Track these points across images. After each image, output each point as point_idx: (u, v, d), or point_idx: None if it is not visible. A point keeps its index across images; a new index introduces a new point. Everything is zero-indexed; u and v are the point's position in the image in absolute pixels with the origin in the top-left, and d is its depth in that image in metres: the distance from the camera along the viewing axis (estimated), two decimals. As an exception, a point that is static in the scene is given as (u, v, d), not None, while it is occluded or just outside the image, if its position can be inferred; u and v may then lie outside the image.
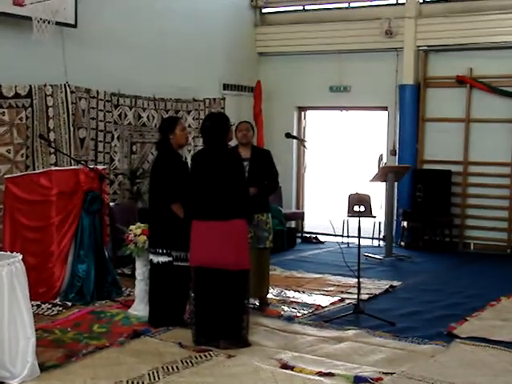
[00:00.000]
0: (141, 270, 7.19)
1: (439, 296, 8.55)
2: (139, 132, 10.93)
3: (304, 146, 8.04)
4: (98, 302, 7.67)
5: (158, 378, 5.35)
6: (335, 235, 11.62)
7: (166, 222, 6.69)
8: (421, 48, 12.39)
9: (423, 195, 12.14)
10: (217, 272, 6.12)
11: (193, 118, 11.74)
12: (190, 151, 11.53)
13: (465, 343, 6.43)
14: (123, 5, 10.73)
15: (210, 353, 5.90)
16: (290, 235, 12.25)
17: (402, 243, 12.27)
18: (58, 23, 8.83)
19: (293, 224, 13.38)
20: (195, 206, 6.27)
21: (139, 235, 7.03)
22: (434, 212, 12.02)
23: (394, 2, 12.88)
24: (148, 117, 11.05)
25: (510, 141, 11.79)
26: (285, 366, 5.59)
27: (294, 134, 12.88)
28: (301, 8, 13.76)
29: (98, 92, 10.14)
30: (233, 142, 7.03)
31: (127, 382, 5.28)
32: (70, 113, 9.55)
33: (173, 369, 5.55)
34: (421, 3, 12.46)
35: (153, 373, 5.44)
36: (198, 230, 6.19)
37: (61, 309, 7.37)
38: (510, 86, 11.74)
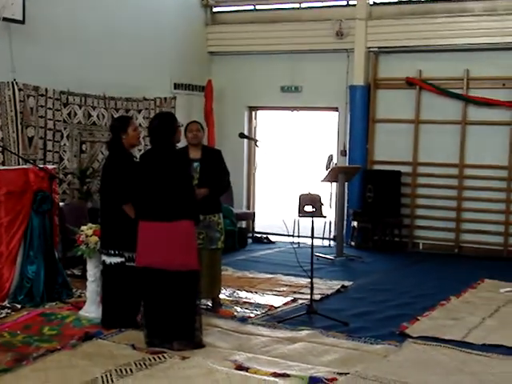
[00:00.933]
0: (92, 271, 7.10)
1: (390, 296, 8.62)
2: (89, 131, 10.79)
3: (257, 146, 8.02)
4: (48, 303, 7.52)
5: (112, 381, 5.26)
6: (286, 235, 11.66)
7: (117, 222, 6.62)
8: (371, 49, 12.48)
9: (373, 195, 12.23)
10: (164, 273, 6.08)
11: (143, 117, 11.64)
12: (140, 151, 11.41)
13: (417, 343, 6.49)
14: (73, 1, 10.58)
15: (164, 355, 5.83)
16: (241, 235, 12.25)
17: (353, 243, 12.36)
18: (5, 19, 8.73)
19: (244, 224, 13.36)
20: (142, 206, 6.22)
21: (91, 236, 6.94)
22: (383, 212, 12.13)
23: (345, 4, 12.96)
24: (98, 115, 10.93)
25: (458, 142, 11.96)
26: (240, 368, 5.56)
27: (245, 133, 12.86)
28: (252, 8, 13.75)
29: (46, 90, 9.98)
30: (183, 143, 6.97)
31: (80, 385, 5.19)
32: (18, 111, 9.41)
33: (126, 371, 5.47)
34: (371, 5, 12.56)
35: (106, 376, 5.35)
36: (145, 231, 6.15)
37: (10, 311, 7.23)
38: (459, 88, 11.91)
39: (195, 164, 7.34)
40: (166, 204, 6.10)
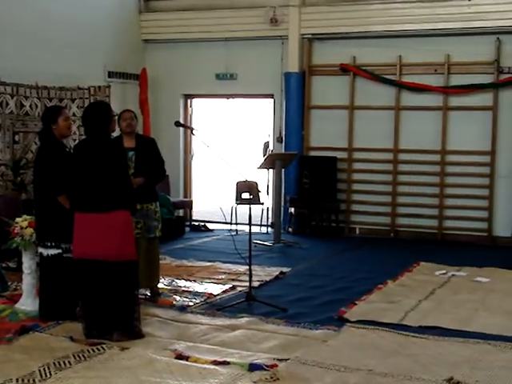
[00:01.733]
0: (28, 264, 6.97)
1: (328, 281, 8.69)
2: (22, 121, 10.60)
3: (193, 134, 7.99)
4: (-18, 297, 7.39)
5: (50, 375, 5.19)
6: (224, 223, 11.67)
7: (52, 213, 6.54)
8: (305, 36, 12.54)
9: (310, 182, 12.32)
10: (101, 264, 6.02)
11: (77, 107, 11.47)
12: (74, 140, 11.27)
13: (355, 327, 6.56)
14: (3, -11, 10.36)
15: (103, 346, 5.78)
16: (178, 224, 12.20)
17: (290, 229, 12.44)
18: None
19: (181, 212, 13.31)
20: (77, 197, 6.14)
21: (26, 228, 6.81)
22: (320, 198, 12.23)
23: (279, -9, 12.97)
24: (31, 105, 10.74)
25: (392, 127, 12.12)
26: (180, 357, 5.55)
27: (181, 122, 12.79)
28: (186, -5, 13.65)
29: (-24, 80, 9.77)
30: (116, 132, 6.90)
31: (17, 380, 5.09)
32: None
33: (65, 364, 5.40)
34: (305, -8, 12.61)
35: (44, 369, 5.27)
36: (81, 222, 6.08)
37: None
38: (392, 74, 12.07)
39: (130, 153, 7.27)
40: (102, 194, 6.04)
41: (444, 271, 9.12)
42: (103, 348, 5.75)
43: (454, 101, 11.82)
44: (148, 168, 7.33)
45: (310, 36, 12.54)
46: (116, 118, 6.74)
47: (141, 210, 7.16)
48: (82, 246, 6.07)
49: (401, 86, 12.01)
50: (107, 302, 6.06)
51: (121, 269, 6.05)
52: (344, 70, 12.33)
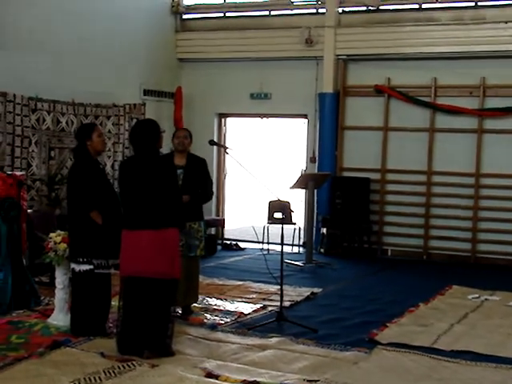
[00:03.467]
0: (61, 279, 7.03)
1: (359, 302, 8.65)
2: (58, 137, 10.73)
3: (227, 153, 8.02)
4: (15, 311, 7.44)
5: (81, 390, 5.23)
6: (256, 242, 11.66)
7: (85, 229, 6.57)
8: (340, 57, 12.57)
9: (342, 202, 12.29)
10: (148, 281, 6.03)
11: (112, 124, 11.60)
12: (109, 157, 11.39)
13: (386, 349, 6.51)
14: (43, 7, 10.55)
15: (134, 362, 5.79)
16: (210, 242, 12.20)
17: (322, 250, 12.40)
18: (-27, 25, 8.62)
19: (213, 231, 13.34)
20: (126, 215, 6.15)
21: (59, 243, 6.87)
22: (352, 219, 12.19)
23: (315, 12, 13.03)
24: (67, 122, 10.87)
25: (426, 149, 12.07)
26: (209, 375, 5.54)
27: (215, 140, 12.85)
28: (222, 15, 13.78)
29: (14, 96, 9.92)
30: (165, 149, 6.94)
31: (48, 394, 5.14)
32: (-14, 117, 9.32)
33: (95, 379, 5.42)
34: (340, 13, 12.64)
35: (75, 384, 5.31)
36: (129, 240, 6.07)
37: (-23, 319, 7.14)
38: (426, 96, 12.05)
39: (179, 171, 7.32)
40: (152, 211, 6.03)
41: (477, 295, 9.03)
42: (133, 365, 5.76)
43: (489, 124, 11.75)
44: (195, 187, 7.39)
45: (344, 57, 12.57)
46: (163, 134, 6.76)
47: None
48: (131, 264, 6.05)
49: (435, 108, 11.98)
50: (146, 318, 6.06)
51: (165, 286, 6.06)
52: (378, 91, 12.33)
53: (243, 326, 7.31)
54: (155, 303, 6.04)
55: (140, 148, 6.22)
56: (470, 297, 8.97)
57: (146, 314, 6.05)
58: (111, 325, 6.67)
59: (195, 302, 7.75)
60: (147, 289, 6.03)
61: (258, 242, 11.66)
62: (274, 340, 6.65)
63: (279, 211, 11.35)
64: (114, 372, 5.60)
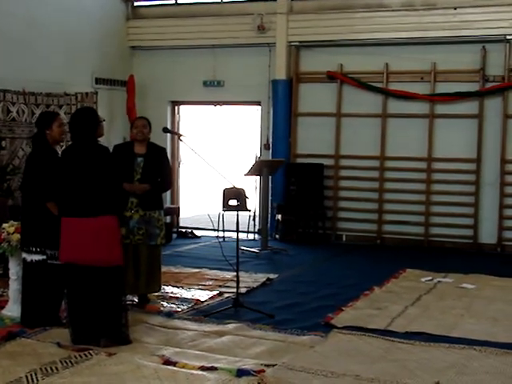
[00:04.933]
0: (14, 270, 6.95)
1: (315, 287, 8.72)
2: (8, 127, 10.59)
3: (181, 141, 8.01)
4: (-32, 303, 7.36)
5: (37, 380, 5.18)
6: (211, 229, 11.67)
7: (40, 219, 6.51)
8: (293, 44, 12.60)
9: (297, 188, 12.35)
10: (88, 269, 6.02)
11: (64, 113, 11.43)
12: (61, 147, 11.25)
13: (342, 333, 6.58)
14: (-9, -6, 10.37)
15: (90, 352, 5.77)
16: (166, 231, 12.13)
17: (277, 236, 12.46)
18: None
19: (168, 219, 13.29)
20: (65, 202, 6.14)
21: (12, 233, 6.80)
22: (307, 205, 12.26)
23: (267, -2, 13.02)
24: (17, 111, 10.73)
25: (378, 135, 12.18)
26: (167, 362, 5.55)
27: (168, 127, 12.78)
28: (173, 1, 13.70)
29: (-37, 85, 9.76)
30: (118, 138, 6.90)
31: (4, 385, 5.10)
32: None
33: (52, 370, 5.39)
34: (292, 0, 12.64)
35: (31, 375, 5.25)
36: (68, 227, 6.07)
37: None
38: (379, 82, 12.14)
39: (139, 159, 7.39)
40: (89, 199, 6.04)
41: (430, 278, 9.17)
42: (90, 354, 5.74)
43: (440, 108, 11.90)
44: (155, 175, 7.40)
45: (297, 43, 12.59)
46: (103, 123, 6.74)
47: (143, 216, 7.33)
48: (69, 251, 6.05)
49: (387, 93, 12.09)
50: (94, 307, 6.05)
51: (107, 274, 6.05)
52: (331, 77, 12.39)
53: (200, 313, 7.33)
54: (101, 291, 6.03)
55: (78, 136, 6.23)
56: (423, 279, 9.10)
57: (93, 303, 6.03)
58: (65, 315, 6.62)
59: (158, 291, 7.74)
60: (87, 276, 6.03)
61: (214, 230, 11.67)
62: (230, 326, 6.68)
63: (234, 198, 11.37)
64: (70, 362, 5.58)
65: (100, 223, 6.02)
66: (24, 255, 6.61)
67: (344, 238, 12.57)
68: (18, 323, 6.61)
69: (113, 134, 12.00)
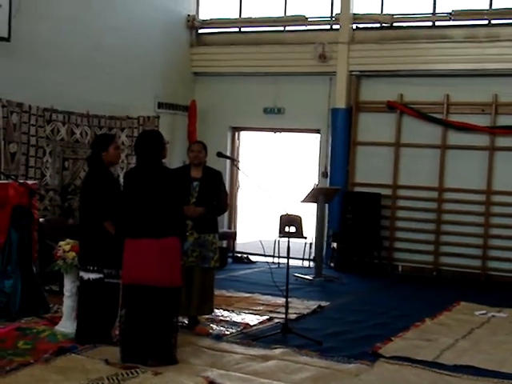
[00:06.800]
0: (69, 287, 7.12)
1: (366, 316, 8.67)
2: (72, 148, 10.87)
3: (236, 166, 8.12)
4: (24, 318, 7.53)
5: (84, 395, 5.30)
6: (266, 255, 11.71)
7: (97, 238, 6.63)
8: (353, 73, 12.65)
9: (353, 217, 12.34)
10: (149, 289, 6.10)
11: (126, 136, 11.73)
12: (123, 169, 11.50)
13: (389, 362, 6.54)
14: (59, 19, 10.70)
15: (137, 370, 5.85)
16: (221, 255, 12.20)
17: (332, 264, 12.43)
18: (-10, 36, 8.78)
19: (224, 244, 13.41)
20: (128, 223, 6.24)
21: (68, 251, 6.97)
22: (363, 234, 12.23)
23: (329, 28, 13.13)
24: (81, 133, 11.00)
25: (437, 165, 12.11)
26: (211, 384, 5.61)
27: (228, 154, 12.93)
28: (237, 30, 13.92)
29: (30, 107, 10.07)
30: (178, 162, 7.02)
31: (52, 399, 5.21)
32: (1, 127, 9.48)
33: (99, 386, 5.51)
34: (354, 30, 12.74)
35: (78, 390, 5.38)
36: (131, 248, 6.17)
37: (-14, 325, 7.24)
38: (439, 113, 12.09)
39: (195, 183, 7.47)
40: (153, 221, 6.12)
41: (484, 311, 9.03)
42: (137, 372, 5.82)
43: (501, 141, 11.79)
44: (210, 199, 7.49)
45: (357, 73, 12.65)
46: (167, 145, 6.83)
47: (198, 239, 7.39)
48: (132, 272, 6.14)
49: (447, 124, 12.02)
50: (148, 327, 6.14)
51: (167, 295, 6.13)
52: (391, 107, 12.39)
53: (248, 336, 7.36)
54: (157, 312, 6.11)
55: (143, 158, 6.32)
56: (477, 313, 8.97)
57: (148, 323, 6.11)
58: (117, 333, 6.75)
59: (209, 314, 7.81)
60: (148, 297, 6.10)
61: (269, 256, 11.72)
62: (277, 351, 6.70)
63: (291, 225, 11.40)
64: (117, 379, 5.66)
65: (164, 244, 6.11)
66: (81, 273, 6.74)
67: (400, 269, 12.48)
68: (70, 339, 6.75)
69: (173, 158, 12.18)
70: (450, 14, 12.17)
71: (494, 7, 11.94)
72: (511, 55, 11.51)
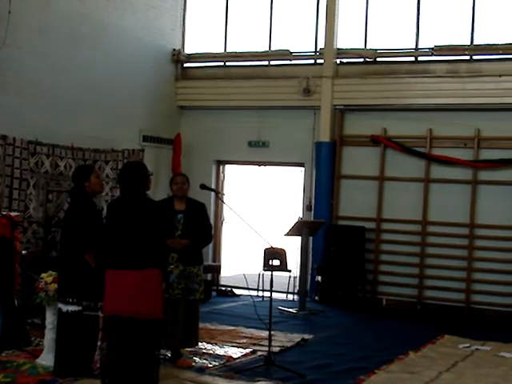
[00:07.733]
0: (51, 319, 7.06)
1: (349, 349, 8.65)
2: (56, 181, 10.86)
3: (220, 199, 8.14)
4: (4, 351, 7.46)
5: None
6: (250, 289, 11.69)
7: (76, 270, 6.60)
8: (337, 107, 12.75)
9: (337, 250, 12.34)
10: (130, 321, 6.05)
11: (111, 169, 11.73)
12: (107, 201, 11.49)
13: (372, 395, 6.53)
14: (45, 53, 10.77)
15: (118, 403, 5.82)
16: (205, 288, 12.17)
17: (317, 298, 12.41)
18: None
19: (209, 277, 13.36)
20: (110, 254, 6.21)
21: (50, 283, 6.93)
22: (347, 267, 12.23)
23: (313, 62, 13.27)
24: (65, 166, 11.00)
25: (421, 199, 12.17)
26: (193, 417, 5.57)
27: (213, 187, 12.96)
28: (222, 64, 14.02)
29: (14, 139, 10.07)
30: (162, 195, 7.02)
31: (31, 432, 5.15)
32: (-15, 159, 9.46)
33: (79, 419, 5.45)
34: (338, 64, 12.88)
35: (58, 423, 5.33)
36: (112, 279, 6.12)
37: (-34, 358, 7.17)
38: (422, 147, 12.19)
39: (179, 215, 7.50)
40: (135, 252, 6.07)
41: (468, 344, 9.04)
42: (118, 405, 5.78)
43: (484, 175, 11.87)
44: (195, 231, 7.50)
45: (341, 107, 12.75)
46: (151, 177, 6.81)
47: (183, 271, 7.42)
48: (113, 303, 6.07)
49: (430, 158, 12.12)
50: (130, 360, 6.08)
51: (148, 327, 6.06)
52: (375, 141, 12.47)
53: (231, 369, 7.33)
54: (138, 344, 6.02)
55: (127, 189, 6.29)
56: (460, 346, 8.97)
57: (130, 356, 6.04)
58: (98, 366, 6.69)
59: (195, 346, 7.78)
60: (129, 329, 6.02)
61: (253, 289, 11.69)
62: (260, 384, 6.68)
63: (275, 258, 11.43)
64: (98, 412, 5.62)
65: (145, 276, 6.06)
66: (60, 305, 6.69)
67: (384, 302, 12.47)
68: (51, 372, 6.69)
69: (157, 191, 12.17)
70: (433, 49, 12.32)
71: (475, 43, 12.11)
72: (493, 90, 11.65)
